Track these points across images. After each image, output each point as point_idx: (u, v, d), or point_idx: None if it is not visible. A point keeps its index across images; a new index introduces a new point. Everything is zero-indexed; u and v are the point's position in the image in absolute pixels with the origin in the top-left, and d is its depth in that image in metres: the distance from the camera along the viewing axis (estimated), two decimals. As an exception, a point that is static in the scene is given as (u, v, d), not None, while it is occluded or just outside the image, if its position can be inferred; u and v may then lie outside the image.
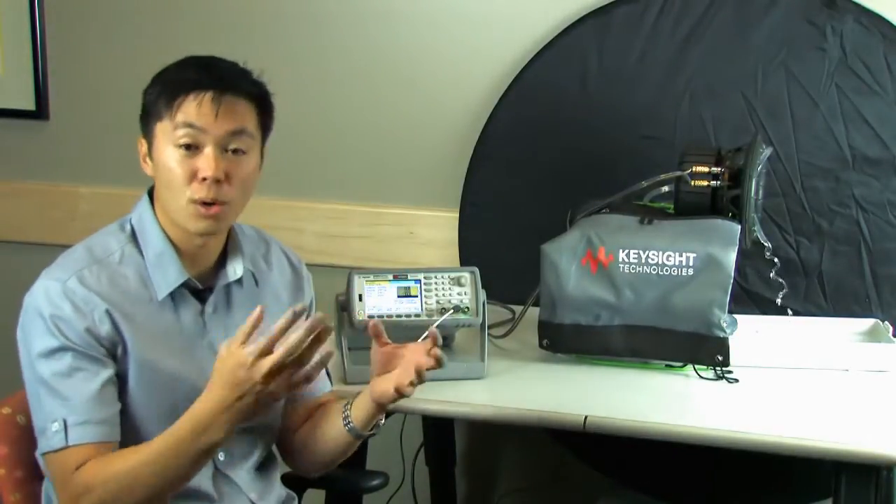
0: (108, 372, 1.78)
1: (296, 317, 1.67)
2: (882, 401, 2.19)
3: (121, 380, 1.81)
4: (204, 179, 1.79)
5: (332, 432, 1.95)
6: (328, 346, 1.71)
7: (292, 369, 1.68)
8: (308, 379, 1.71)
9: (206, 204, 1.80)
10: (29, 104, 3.11)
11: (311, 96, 2.90)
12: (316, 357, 1.70)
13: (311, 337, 1.67)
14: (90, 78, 3.08)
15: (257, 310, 1.70)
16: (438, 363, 1.83)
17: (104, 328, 1.78)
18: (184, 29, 2.98)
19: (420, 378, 1.83)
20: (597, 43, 2.68)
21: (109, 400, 1.79)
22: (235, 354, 1.69)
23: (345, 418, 1.92)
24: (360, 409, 1.91)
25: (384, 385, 1.86)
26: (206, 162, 1.79)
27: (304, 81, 2.89)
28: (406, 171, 2.90)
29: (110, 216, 2.97)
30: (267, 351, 1.67)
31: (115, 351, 1.79)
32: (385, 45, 2.87)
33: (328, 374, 2.09)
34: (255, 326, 1.69)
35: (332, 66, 2.91)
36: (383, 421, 1.95)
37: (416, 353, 1.86)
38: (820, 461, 2.02)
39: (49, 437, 1.77)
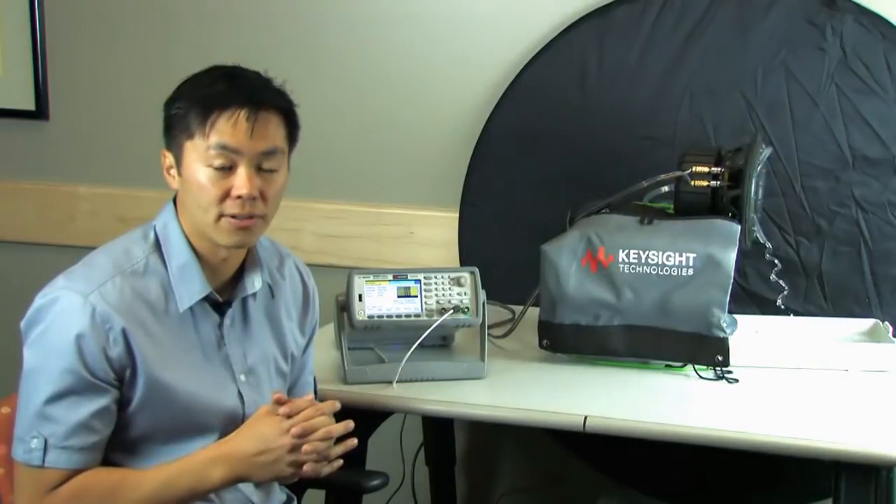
0: (105, 400, 1.77)
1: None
2: (882, 401, 2.19)
3: (125, 401, 1.79)
4: (238, 197, 1.77)
5: None
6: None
7: (315, 454, 1.78)
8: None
9: (238, 218, 1.79)
10: (29, 104, 3.11)
11: (311, 96, 2.86)
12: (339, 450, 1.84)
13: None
14: (90, 78, 3.08)
15: (309, 397, 1.84)
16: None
17: (117, 350, 1.76)
18: (183, 29, 2.98)
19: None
20: (597, 43, 2.68)
21: (98, 427, 1.77)
22: (275, 418, 1.78)
23: None
24: None
25: None
26: (241, 181, 1.77)
27: (304, 82, 2.86)
28: (406, 171, 2.90)
29: (110, 216, 3.02)
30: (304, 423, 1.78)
31: (122, 374, 1.78)
32: (385, 45, 2.87)
33: (315, 383, 2.10)
34: (303, 409, 1.80)
35: (332, 67, 2.91)
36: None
37: None
38: (820, 461, 2.02)
39: (27, 449, 1.76)
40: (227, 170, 1.78)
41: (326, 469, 1.82)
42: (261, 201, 1.80)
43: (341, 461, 1.84)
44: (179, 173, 1.82)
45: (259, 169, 1.80)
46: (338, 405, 1.86)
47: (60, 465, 1.76)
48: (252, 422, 1.81)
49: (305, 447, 1.77)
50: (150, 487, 1.77)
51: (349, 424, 1.83)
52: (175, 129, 1.81)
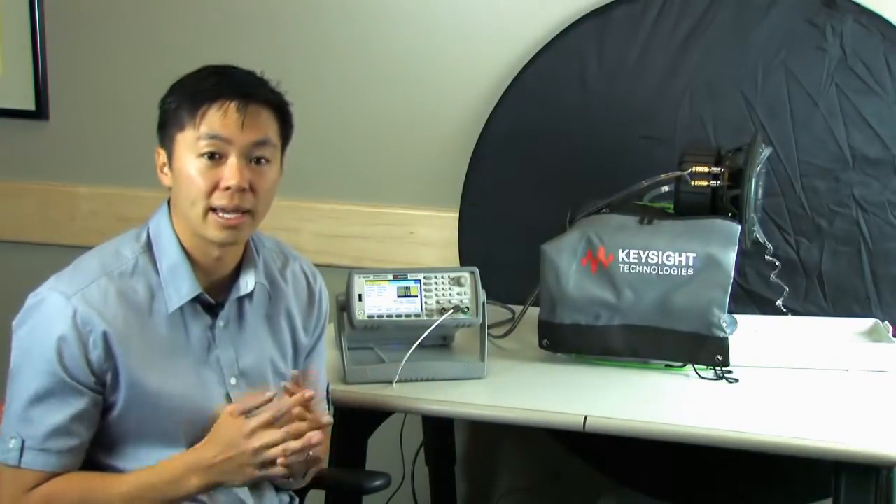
0: (85, 403, 1.76)
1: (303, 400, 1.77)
2: (882, 401, 2.19)
3: (108, 405, 1.79)
4: (227, 188, 1.76)
5: None
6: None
7: (284, 457, 1.73)
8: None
9: (226, 213, 1.78)
10: (29, 104, 3.11)
11: (311, 96, 2.90)
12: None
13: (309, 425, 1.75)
14: (90, 78, 3.08)
15: (270, 393, 1.76)
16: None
17: (97, 353, 1.75)
18: (183, 29, 2.98)
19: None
20: (597, 43, 2.68)
21: (77, 431, 1.77)
22: (237, 421, 1.74)
23: None
24: None
25: None
26: (231, 171, 1.76)
27: (304, 82, 2.89)
28: (406, 171, 2.90)
29: (110, 216, 3.02)
30: (268, 424, 1.73)
31: (104, 378, 1.77)
32: (385, 45, 2.87)
33: (328, 400, 2.07)
34: (263, 404, 1.75)
35: (332, 67, 2.92)
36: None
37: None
38: (819, 461, 2.02)
39: (4, 449, 1.77)
40: (218, 161, 1.77)
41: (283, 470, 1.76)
42: (250, 194, 1.79)
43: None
44: (171, 168, 1.82)
45: (250, 162, 1.79)
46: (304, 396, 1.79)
47: (37, 467, 1.76)
48: (216, 426, 1.78)
49: (273, 450, 1.73)
50: (124, 491, 1.77)
51: (321, 420, 1.78)
52: (167, 124, 1.81)
